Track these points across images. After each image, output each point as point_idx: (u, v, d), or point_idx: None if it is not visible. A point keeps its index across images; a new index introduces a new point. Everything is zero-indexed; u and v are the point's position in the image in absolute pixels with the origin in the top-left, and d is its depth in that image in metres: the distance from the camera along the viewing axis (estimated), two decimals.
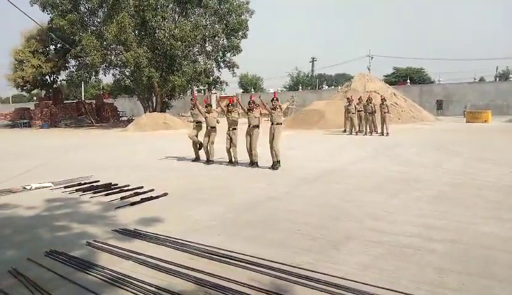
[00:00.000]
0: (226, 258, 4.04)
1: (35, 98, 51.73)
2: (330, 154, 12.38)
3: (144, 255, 4.18)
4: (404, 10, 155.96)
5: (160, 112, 30.92)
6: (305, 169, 9.39)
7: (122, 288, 3.45)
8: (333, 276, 3.56)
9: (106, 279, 3.63)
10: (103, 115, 38.65)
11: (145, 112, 31.27)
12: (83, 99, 47.47)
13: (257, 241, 4.64)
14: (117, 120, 37.96)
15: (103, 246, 4.54)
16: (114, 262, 4.08)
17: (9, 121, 38.28)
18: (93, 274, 3.77)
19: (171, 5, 30.44)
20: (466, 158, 10.63)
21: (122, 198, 6.85)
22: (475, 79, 38.92)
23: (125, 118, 38.58)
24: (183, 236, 4.74)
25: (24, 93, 52.34)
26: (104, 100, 42.01)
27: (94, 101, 40.99)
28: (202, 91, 40.91)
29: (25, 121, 35.82)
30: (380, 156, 11.66)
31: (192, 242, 4.50)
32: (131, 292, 3.38)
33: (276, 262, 3.90)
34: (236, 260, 3.97)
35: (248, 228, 5.17)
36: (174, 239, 4.62)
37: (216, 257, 4.09)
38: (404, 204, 6.10)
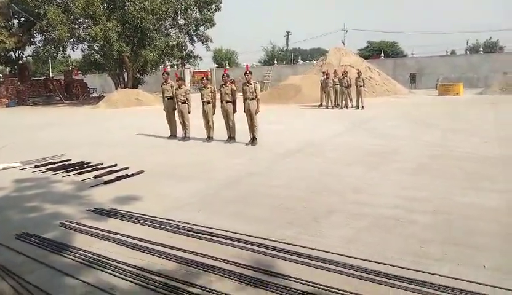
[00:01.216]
0: (207, 235, 3.92)
1: (0, 75, 49.53)
2: (308, 129, 12.33)
3: (121, 234, 4.02)
4: None
5: (132, 88, 30.06)
6: (284, 144, 9.29)
7: (100, 270, 3.29)
8: (316, 250, 3.51)
9: (82, 261, 3.47)
10: (72, 92, 37.29)
11: (116, 89, 30.35)
12: (51, 75, 45.71)
13: (238, 217, 4.53)
14: (88, 97, 36.75)
15: (78, 226, 4.35)
16: (89, 242, 3.90)
17: None
18: (68, 256, 3.60)
19: None
20: (442, 130, 10.76)
21: (95, 176, 6.60)
22: (447, 52, 39.40)
23: (96, 95, 37.43)
24: (162, 215, 4.59)
25: None
26: (74, 76, 40.52)
27: (63, 78, 39.48)
28: (175, 66, 39.91)
29: None
30: (357, 129, 11.68)
31: (171, 220, 4.36)
32: (109, 273, 3.23)
33: (257, 237, 3.81)
34: (216, 237, 3.86)
35: (229, 204, 5.05)
36: (152, 218, 4.46)
37: (197, 234, 3.97)
38: (384, 177, 6.10)
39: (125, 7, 28.02)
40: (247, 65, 11.49)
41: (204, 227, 4.12)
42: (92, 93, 39.33)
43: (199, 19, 31.76)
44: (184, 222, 4.27)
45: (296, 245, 3.63)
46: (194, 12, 31.44)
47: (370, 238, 3.82)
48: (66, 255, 3.62)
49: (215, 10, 32.01)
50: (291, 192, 5.47)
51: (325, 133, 11.07)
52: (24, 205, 5.31)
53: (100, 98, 31.72)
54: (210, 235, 3.91)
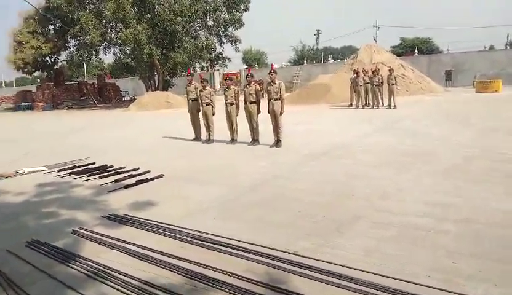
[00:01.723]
0: (219, 245, 3.69)
1: (38, 81, 51.35)
2: (336, 129, 11.92)
3: (131, 243, 3.85)
4: None
5: (163, 90, 30.42)
6: (311, 145, 8.98)
7: (103, 282, 3.12)
8: (334, 264, 3.21)
9: (87, 272, 3.31)
10: (105, 95, 38.19)
11: (147, 91, 30.80)
12: (85, 79, 47.00)
13: (256, 225, 4.28)
14: (120, 100, 37.53)
15: (89, 234, 4.23)
16: (98, 251, 3.75)
17: (12, 104, 38.00)
18: (74, 266, 3.45)
19: None
20: (478, 130, 10.13)
21: (115, 180, 6.52)
22: (485, 47, 37.71)
23: (128, 98, 38.15)
24: (177, 221, 4.41)
25: (27, 76, 51.93)
26: (107, 80, 41.50)
27: (96, 82, 40.49)
28: (205, 69, 40.07)
29: (27, 104, 35.49)
30: (388, 129, 11.19)
31: (185, 228, 4.16)
32: (111, 286, 3.05)
33: (272, 249, 3.54)
34: (229, 248, 3.62)
35: (248, 210, 4.81)
36: (165, 225, 4.28)
37: (209, 244, 3.74)
38: (414, 181, 5.70)
39: (155, 10, 28.35)
40: (272, 64, 11.23)
41: (219, 236, 3.89)
42: (124, 96, 40.14)
43: (228, 20, 31.74)
44: (197, 231, 4.05)
45: (314, 258, 3.34)
46: (223, 13, 31.47)
47: (396, 250, 3.47)
48: (72, 265, 3.47)
49: (244, 10, 31.95)
50: (315, 196, 5.16)
51: (354, 133, 10.65)
52: (42, 210, 5.26)
53: (132, 100, 32.25)
54: (223, 245, 3.68)
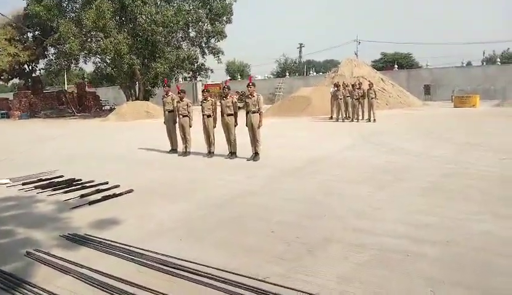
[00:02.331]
0: (181, 270, 3.42)
1: (16, 88, 50.16)
2: (315, 142, 11.78)
3: (87, 268, 3.55)
4: None
5: (144, 100, 29.97)
6: (288, 159, 8.78)
7: None
8: (305, 293, 2.98)
9: None
10: (85, 104, 37.46)
11: (127, 101, 30.30)
12: (65, 88, 46.09)
13: (224, 247, 4.03)
14: (100, 110, 36.84)
15: (44, 256, 3.90)
16: (50, 277, 3.44)
17: None
18: None
19: None
20: (457, 145, 10.12)
21: (81, 196, 6.18)
22: (462, 63, 38.43)
23: (108, 108, 37.50)
24: (141, 242, 4.12)
25: (5, 84, 50.70)
26: (87, 89, 40.75)
27: (75, 90, 39.73)
28: (188, 79, 39.79)
29: (3, 112, 34.54)
30: (367, 144, 11.10)
31: (146, 250, 3.87)
32: None
33: (240, 275, 3.30)
34: (192, 273, 3.36)
35: (217, 229, 4.55)
36: (126, 247, 3.98)
37: (171, 269, 3.47)
38: (392, 198, 5.53)
39: (136, 20, 28.00)
40: (249, 76, 11.06)
41: (181, 259, 3.63)
42: (104, 106, 39.46)
43: (210, 32, 31.58)
44: (158, 253, 3.78)
45: (283, 286, 3.11)
46: (206, 24, 31.28)
47: (371, 276, 3.27)
48: (19, 293, 3.16)
49: (226, 22, 31.86)
50: (287, 216, 4.94)
51: (332, 147, 10.51)
52: None
53: (111, 110, 31.68)
54: (184, 270, 3.41)
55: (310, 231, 4.37)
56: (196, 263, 3.53)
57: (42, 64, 35.18)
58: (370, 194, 5.78)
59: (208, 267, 3.45)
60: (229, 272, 3.34)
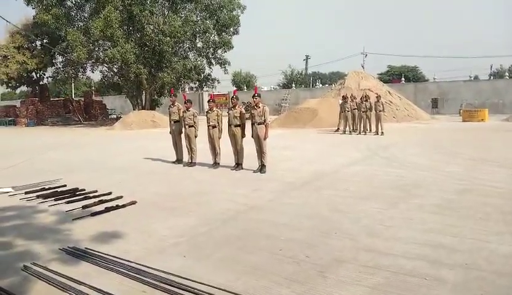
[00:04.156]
0: (185, 291, 3.23)
1: (24, 96, 50.47)
2: (322, 155, 11.58)
3: (86, 285, 3.37)
4: (398, 7, 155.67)
5: (150, 109, 30.00)
6: (295, 173, 8.60)
7: None
8: None
9: None
10: (91, 112, 37.62)
11: (134, 110, 30.33)
12: (72, 96, 46.32)
13: (229, 266, 3.83)
14: (106, 118, 36.93)
15: (42, 271, 3.73)
16: (47, 294, 3.26)
17: None
18: None
19: None
20: (468, 160, 9.88)
21: (84, 206, 6.02)
22: (470, 77, 38.18)
23: (114, 116, 37.58)
24: (143, 258, 3.95)
25: (13, 91, 51.13)
26: (94, 97, 40.91)
27: (82, 98, 39.91)
28: (194, 89, 39.81)
29: (10, 119, 34.68)
30: (375, 157, 10.89)
31: (149, 267, 3.69)
32: None
33: None
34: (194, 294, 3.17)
35: (222, 247, 4.36)
36: (128, 264, 3.80)
37: (174, 289, 3.28)
38: (404, 216, 5.31)
39: (144, 30, 28.12)
40: (255, 87, 10.93)
41: (184, 278, 3.44)
42: (110, 114, 39.57)
43: (217, 43, 31.66)
44: (162, 271, 3.59)
45: None
46: (213, 35, 31.39)
47: None
48: None
49: (233, 34, 32.00)
50: (295, 233, 4.73)
51: (340, 161, 10.30)
52: None
53: (118, 119, 31.72)
54: (189, 291, 3.23)
55: (320, 250, 4.16)
56: (201, 283, 3.34)
57: (49, 72, 35.42)
58: (382, 211, 5.57)
59: (214, 288, 3.26)
60: (235, 293, 3.14)
